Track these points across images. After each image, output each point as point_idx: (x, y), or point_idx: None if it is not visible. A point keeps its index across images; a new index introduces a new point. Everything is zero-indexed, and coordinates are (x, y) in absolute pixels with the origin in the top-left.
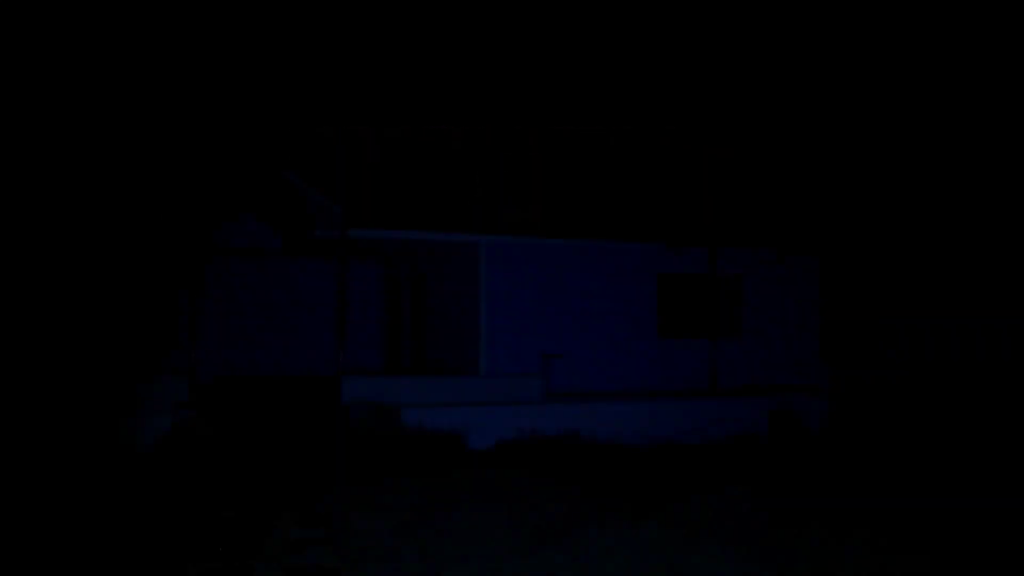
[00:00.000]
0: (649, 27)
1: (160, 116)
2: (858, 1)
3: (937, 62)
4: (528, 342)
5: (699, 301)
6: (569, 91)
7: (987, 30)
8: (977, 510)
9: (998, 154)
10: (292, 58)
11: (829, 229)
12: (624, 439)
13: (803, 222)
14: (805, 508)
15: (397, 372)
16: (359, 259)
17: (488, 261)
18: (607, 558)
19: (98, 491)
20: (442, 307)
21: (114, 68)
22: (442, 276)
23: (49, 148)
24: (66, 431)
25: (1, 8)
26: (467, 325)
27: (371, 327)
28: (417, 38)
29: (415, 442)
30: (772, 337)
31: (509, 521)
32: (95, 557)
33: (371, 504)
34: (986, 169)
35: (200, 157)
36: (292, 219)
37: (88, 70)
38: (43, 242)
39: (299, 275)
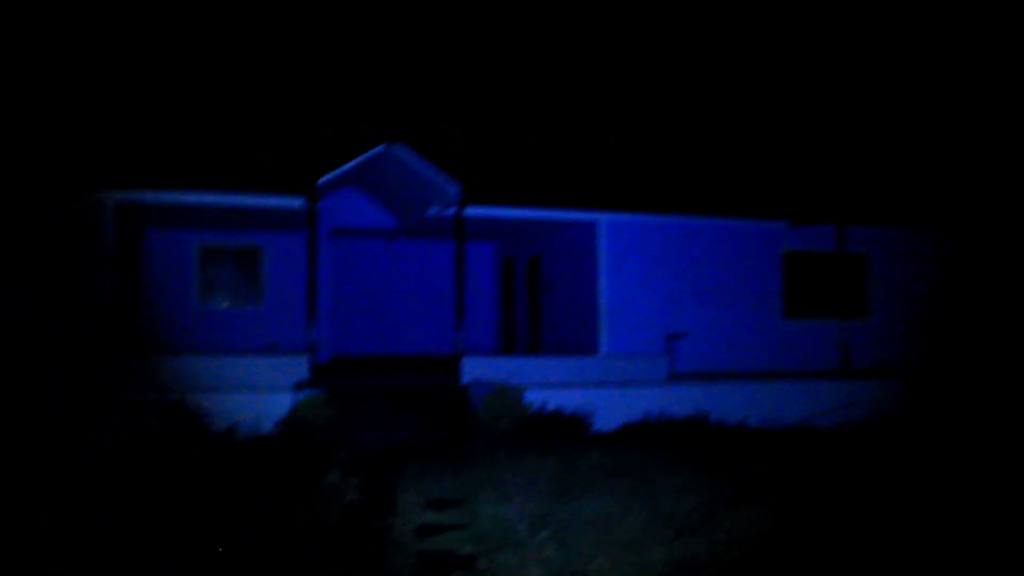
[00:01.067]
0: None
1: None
2: None
3: None
4: (650, 322)
5: (825, 280)
6: (692, 65)
7: None
8: None
9: None
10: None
11: (959, 210)
12: (752, 421)
13: (932, 201)
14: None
15: (512, 352)
16: (474, 239)
17: (607, 239)
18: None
19: (213, 472)
20: (558, 287)
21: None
22: (559, 255)
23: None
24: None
25: None
26: (585, 304)
27: (486, 307)
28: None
29: (539, 423)
30: (900, 318)
31: (644, 509)
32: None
33: (499, 488)
34: None
35: (315, 134)
36: (408, 198)
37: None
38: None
39: (415, 255)
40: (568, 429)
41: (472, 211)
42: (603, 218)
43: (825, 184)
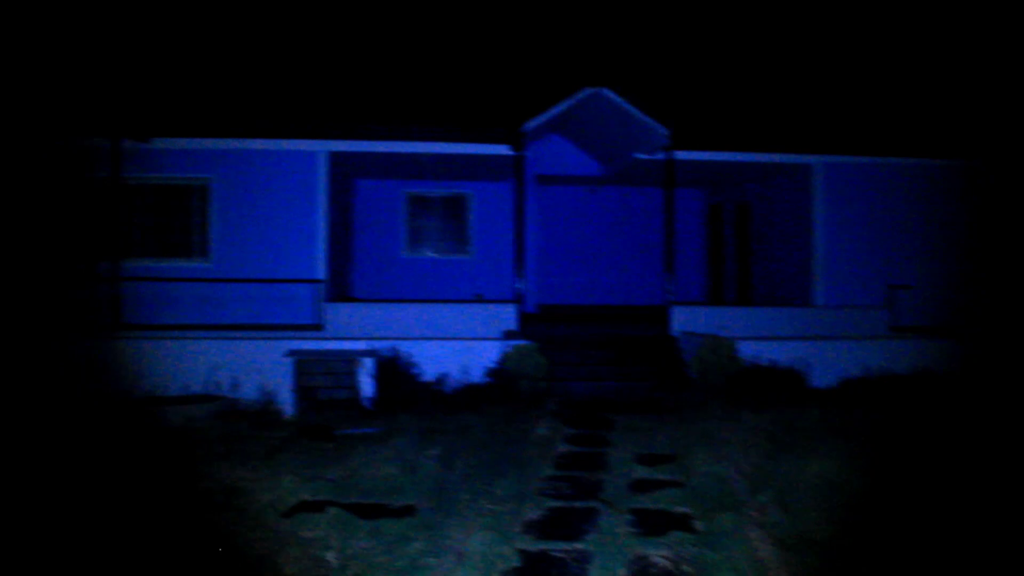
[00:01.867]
0: None
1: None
2: None
3: None
4: (868, 272)
5: None
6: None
7: None
8: None
9: None
10: None
11: None
12: (980, 379)
13: None
14: None
15: (720, 303)
16: (680, 185)
17: (823, 183)
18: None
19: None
20: (769, 234)
21: None
22: (770, 201)
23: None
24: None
25: None
26: (798, 253)
27: (692, 257)
28: None
29: (752, 377)
30: None
31: (869, 472)
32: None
33: (714, 444)
34: None
35: (518, 79)
36: (614, 144)
37: None
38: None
39: (619, 202)
40: (783, 384)
41: (681, 155)
42: (818, 161)
43: None
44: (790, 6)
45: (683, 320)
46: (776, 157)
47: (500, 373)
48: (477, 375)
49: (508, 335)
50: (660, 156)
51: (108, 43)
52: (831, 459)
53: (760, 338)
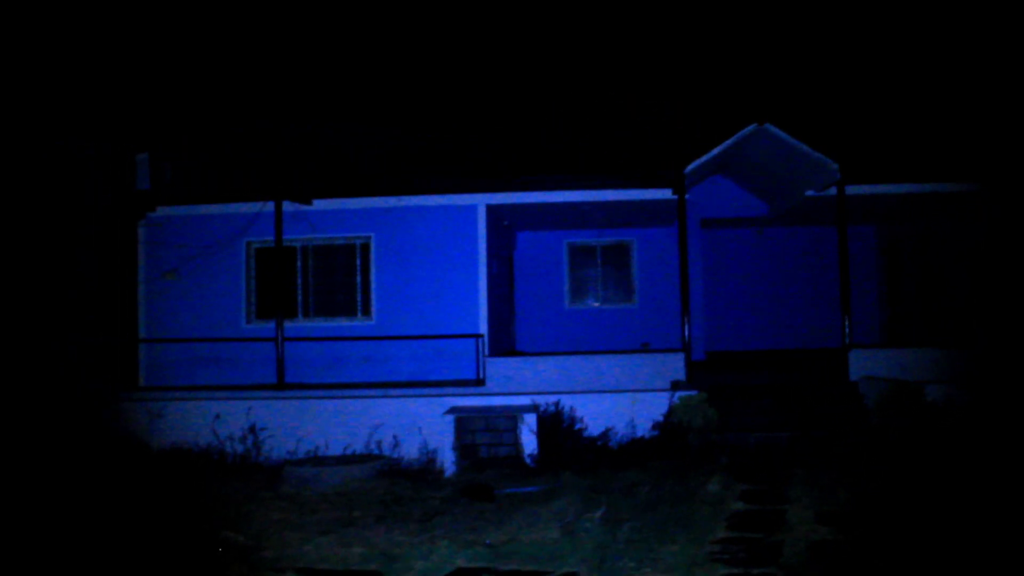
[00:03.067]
0: None
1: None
2: None
3: None
4: None
5: None
6: None
7: None
8: None
9: None
10: None
11: None
12: None
13: None
14: None
15: (902, 344)
16: (852, 222)
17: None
18: None
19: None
20: (952, 269)
21: None
22: (947, 233)
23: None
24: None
25: None
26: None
27: (868, 296)
28: None
29: (942, 424)
30: None
31: None
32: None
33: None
34: None
35: (675, 121)
36: (779, 182)
37: None
38: None
39: (788, 243)
40: (977, 430)
41: (853, 189)
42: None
43: None
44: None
45: (863, 364)
46: (955, 187)
47: (667, 426)
48: (644, 428)
49: (675, 385)
50: (831, 192)
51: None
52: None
53: (949, 381)
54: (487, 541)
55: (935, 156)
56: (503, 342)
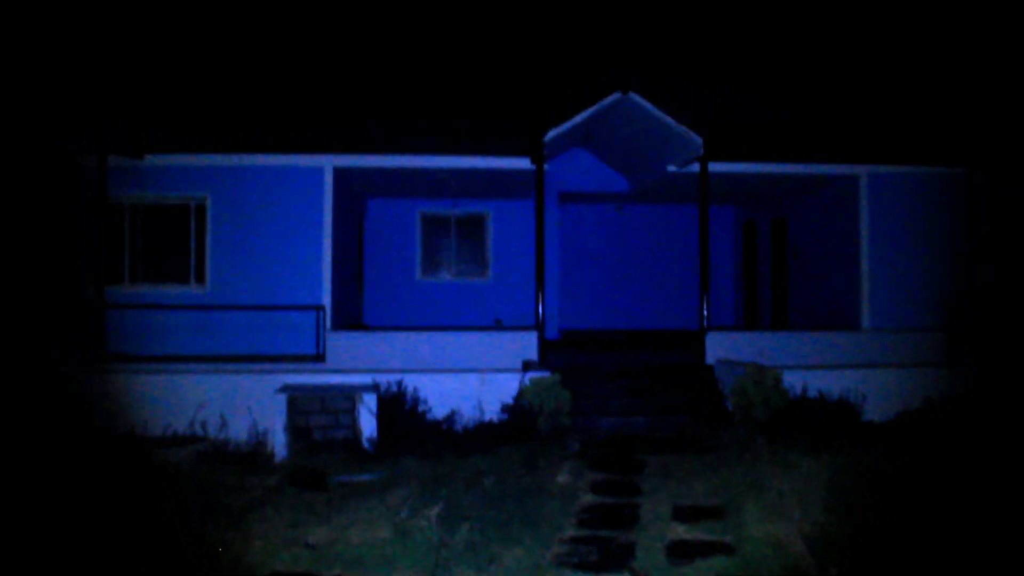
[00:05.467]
0: None
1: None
2: None
3: None
4: (920, 292)
5: None
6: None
7: None
8: None
9: None
10: None
11: None
12: None
13: None
14: None
15: (756, 327)
16: (711, 201)
17: (870, 195)
18: None
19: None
20: (809, 253)
21: None
22: (809, 216)
23: None
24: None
25: None
26: (842, 272)
27: (724, 278)
28: None
29: (799, 411)
30: None
31: (963, 535)
32: None
33: (765, 494)
34: None
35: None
36: (641, 156)
37: None
38: None
39: (647, 221)
40: (834, 418)
41: (716, 167)
42: (864, 172)
43: None
44: (826, 9)
45: (719, 347)
46: (819, 168)
47: (517, 409)
48: (492, 411)
49: (527, 366)
50: (694, 168)
51: (96, 50)
52: (909, 516)
53: (806, 367)
54: (309, 541)
55: (802, 136)
56: (350, 315)
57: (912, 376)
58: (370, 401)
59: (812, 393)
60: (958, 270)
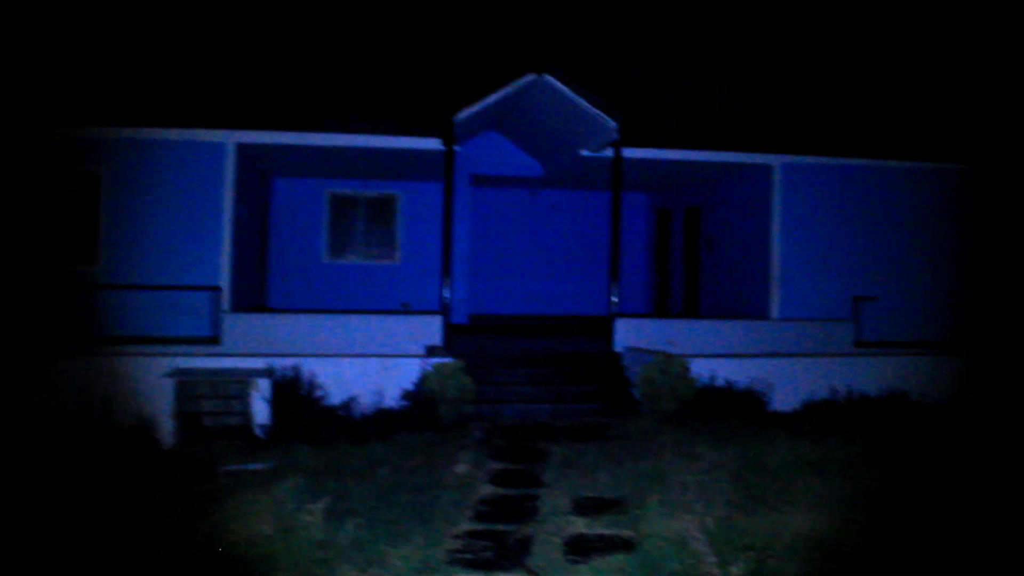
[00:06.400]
0: None
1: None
2: None
3: None
4: (830, 283)
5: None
6: None
7: None
8: None
9: None
10: None
11: None
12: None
13: None
14: None
15: (667, 315)
16: (625, 188)
17: (783, 185)
18: None
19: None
20: (721, 242)
21: None
22: (723, 205)
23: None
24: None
25: None
26: (754, 262)
27: (637, 265)
28: None
29: (707, 399)
30: None
31: (863, 526)
32: None
33: (669, 487)
34: None
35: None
36: (556, 140)
37: None
38: None
39: (560, 206)
40: (741, 407)
41: (630, 153)
42: (778, 161)
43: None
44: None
45: (628, 334)
46: (733, 156)
47: (419, 396)
48: (393, 398)
49: (430, 351)
50: (608, 153)
51: None
52: (813, 509)
53: (715, 355)
54: (185, 533)
55: (718, 124)
56: (252, 297)
57: (818, 366)
58: (263, 386)
59: (720, 382)
60: (870, 261)
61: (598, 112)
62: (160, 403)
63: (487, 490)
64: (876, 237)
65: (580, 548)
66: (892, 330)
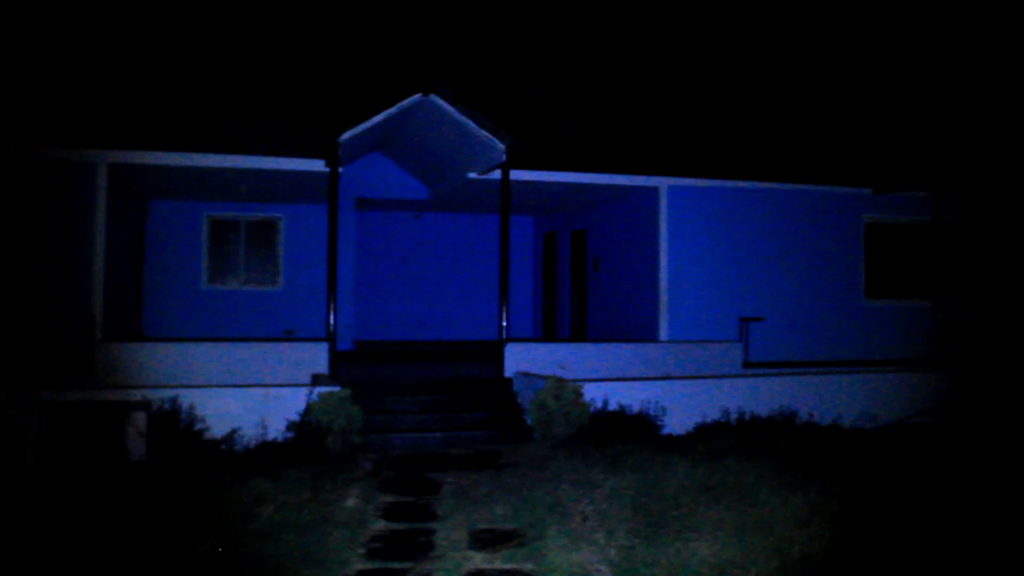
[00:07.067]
0: None
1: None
2: None
3: None
4: (717, 304)
5: (915, 255)
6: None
7: None
8: None
9: None
10: None
11: None
12: (845, 420)
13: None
14: None
15: (555, 339)
16: (514, 211)
17: (669, 207)
18: None
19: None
20: (609, 265)
21: None
22: (610, 228)
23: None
24: None
25: None
26: (642, 284)
27: (525, 290)
28: None
29: (601, 424)
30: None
31: (768, 551)
32: None
33: (567, 516)
34: None
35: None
36: (442, 162)
37: None
38: None
39: (446, 230)
40: (635, 432)
41: (519, 175)
42: (665, 184)
43: (910, 149)
44: (628, 19)
45: (519, 358)
46: (621, 179)
47: (304, 426)
48: (277, 430)
49: (316, 380)
50: (496, 176)
51: None
52: (717, 536)
53: (607, 379)
54: None
55: (606, 147)
56: (127, 324)
57: (709, 387)
58: (139, 419)
59: (613, 406)
60: (758, 282)
61: (486, 134)
62: (25, 441)
63: (379, 525)
64: (764, 259)
65: None
66: (782, 350)
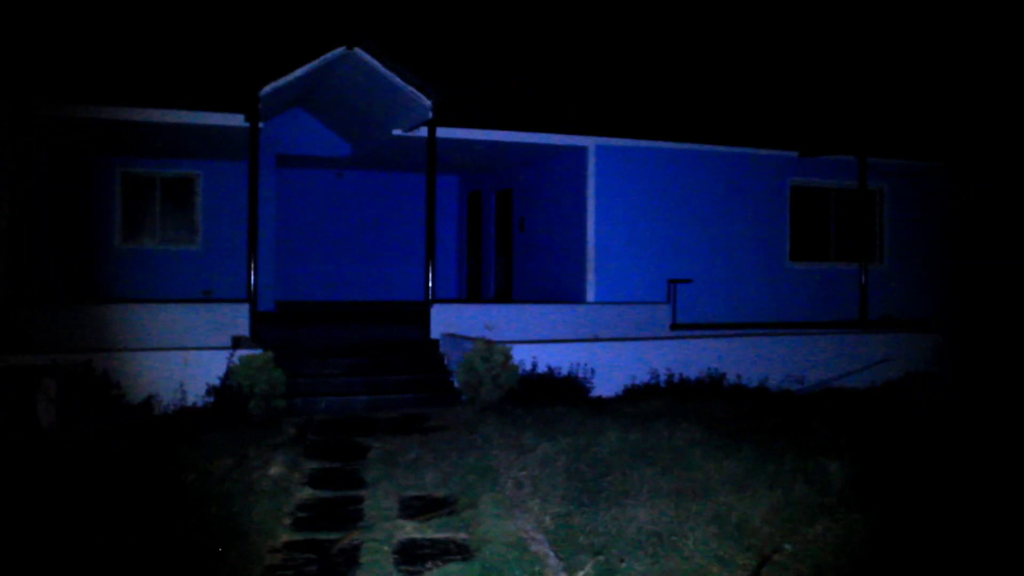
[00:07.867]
0: None
1: None
2: None
3: None
4: (645, 266)
5: (839, 219)
6: None
7: None
8: None
9: None
10: None
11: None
12: (773, 381)
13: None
14: None
15: (481, 300)
16: (440, 169)
17: (597, 167)
18: None
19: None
20: (536, 225)
21: None
22: (536, 188)
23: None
24: None
25: None
26: (569, 245)
27: (449, 250)
28: None
29: (530, 387)
30: (908, 263)
31: (705, 516)
32: None
33: (500, 483)
34: None
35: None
36: (367, 118)
37: None
38: None
39: (370, 188)
40: (566, 394)
41: (445, 132)
42: (593, 144)
43: (838, 112)
44: None
45: (446, 320)
46: (549, 138)
47: (225, 391)
48: (197, 394)
49: (237, 343)
50: (422, 133)
51: None
52: (652, 499)
53: (535, 341)
54: None
55: (534, 105)
56: (37, 286)
57: (638, 349)
58: (50, 385)
59: (542, 368)
60: (687, 244)
61: (412, 89)
62: None
63: (305, 494)
64: (692, 220)
65: (413, 556)
66: (710, 312)
